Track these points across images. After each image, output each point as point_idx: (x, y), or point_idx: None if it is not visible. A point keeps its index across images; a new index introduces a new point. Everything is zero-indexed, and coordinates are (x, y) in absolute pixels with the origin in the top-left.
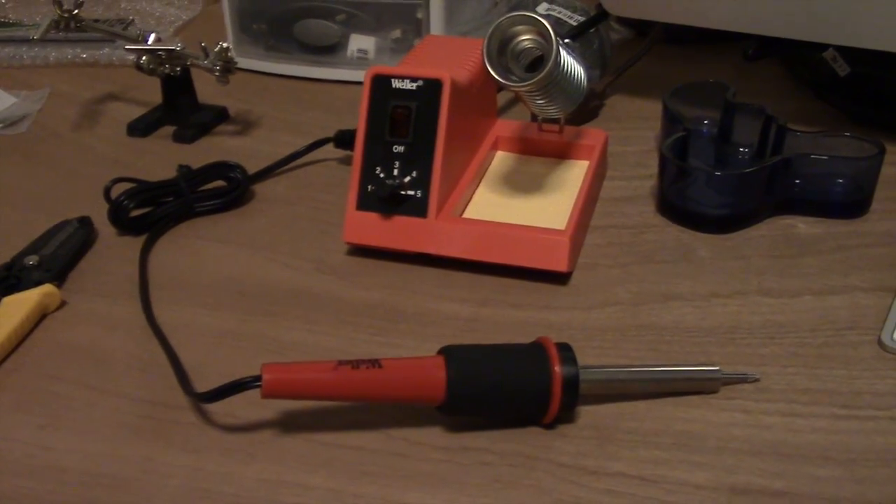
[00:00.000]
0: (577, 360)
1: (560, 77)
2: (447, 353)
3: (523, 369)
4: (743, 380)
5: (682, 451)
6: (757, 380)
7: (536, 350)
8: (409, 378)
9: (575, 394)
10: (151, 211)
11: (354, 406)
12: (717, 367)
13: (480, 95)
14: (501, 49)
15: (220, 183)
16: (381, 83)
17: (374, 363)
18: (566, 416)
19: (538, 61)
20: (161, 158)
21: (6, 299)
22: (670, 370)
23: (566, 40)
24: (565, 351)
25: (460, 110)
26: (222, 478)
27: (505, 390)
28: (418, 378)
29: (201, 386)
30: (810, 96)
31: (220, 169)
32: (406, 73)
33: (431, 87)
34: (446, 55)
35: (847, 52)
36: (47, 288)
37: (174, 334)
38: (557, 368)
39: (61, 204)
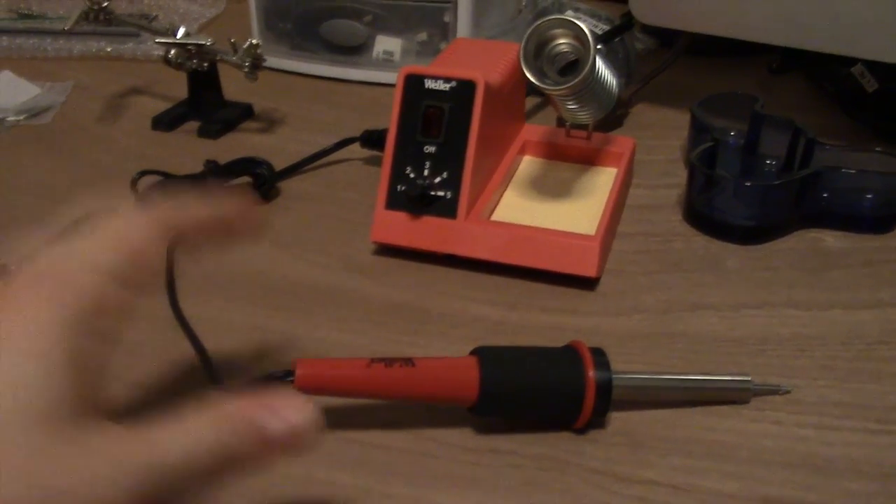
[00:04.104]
0: (610, 366)
1: (594, 83)
2: (480, 353)
3: (557, 372)
4: (774, 391)
5: (714, 460)
6: (788, 392)
7: (570, 354)
8: (442, 377)
9: (608, 399)
10: None
11: (382, 404)
12: (748, 378)
13: (511, 99)
14: (538, 52)
15: (246, 179)
16: (414, 83)
17: (408, 362)
18: (597, 421)
19: (571, 66)
20: (186, 153)
21: None
22: (702, 379)
23: (598, 46)
24: (599, 356)
25: (492, 113)
26: (249, 473)
27: (538, 392)
28: (452, 377)
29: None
30: (835, 110)
31: (247, 164)
32: (439, 74)
33: (465, 88)
34: (477, 57)
35: (875, 68)
36: None
37: (200, 328)
38: (591, 373)
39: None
